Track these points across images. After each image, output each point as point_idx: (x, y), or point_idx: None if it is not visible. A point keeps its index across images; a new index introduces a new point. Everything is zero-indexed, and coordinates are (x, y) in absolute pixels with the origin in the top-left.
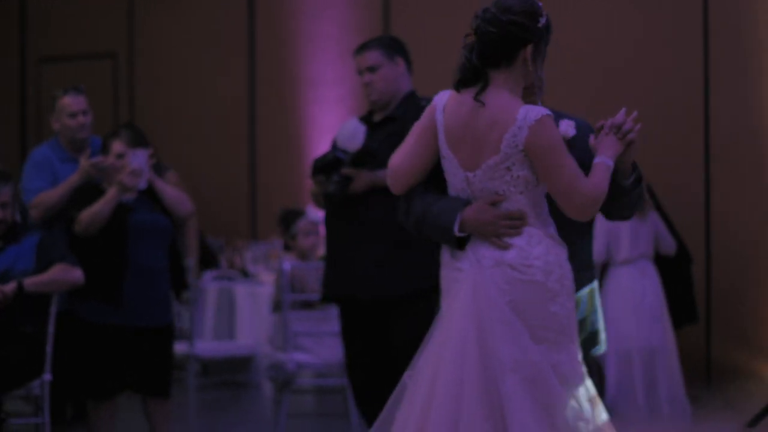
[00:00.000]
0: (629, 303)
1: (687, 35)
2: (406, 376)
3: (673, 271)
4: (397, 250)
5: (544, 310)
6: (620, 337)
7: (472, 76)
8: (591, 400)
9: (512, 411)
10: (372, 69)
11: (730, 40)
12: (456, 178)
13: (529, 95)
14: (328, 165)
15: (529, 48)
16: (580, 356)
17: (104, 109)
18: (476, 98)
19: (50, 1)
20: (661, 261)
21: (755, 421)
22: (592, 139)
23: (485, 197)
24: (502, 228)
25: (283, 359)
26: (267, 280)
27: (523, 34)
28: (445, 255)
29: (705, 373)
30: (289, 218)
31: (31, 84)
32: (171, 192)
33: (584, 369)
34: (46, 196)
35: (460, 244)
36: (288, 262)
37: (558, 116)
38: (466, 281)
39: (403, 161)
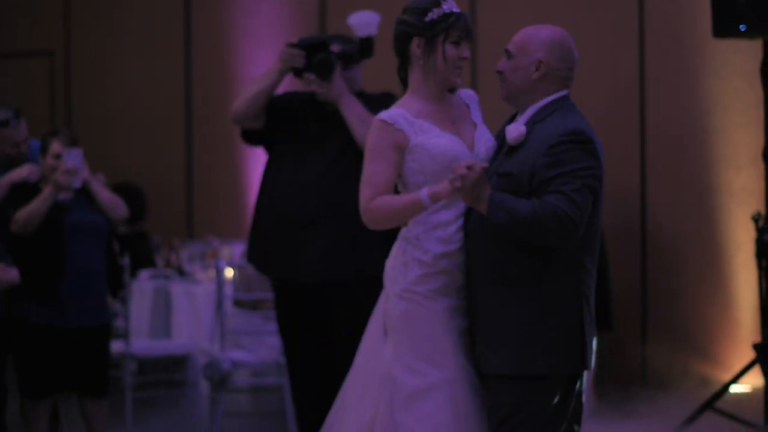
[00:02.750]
0: None
1: (622, 35)
2: None
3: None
4: (349, 233)
5: (383, 307)
6: None
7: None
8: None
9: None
10: None
11: (666, 41)
12: None
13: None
14: (315, 45)
15: (415, 41)
16: (410, 359)
17: (41, 107)
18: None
19: None
20: None
21: (691, 420)
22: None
23: None
24: None
25: (218, 358)
26: (203, 279)
27: (407, 29)
28: None
29: (641, 374)
30: None
31: None
32: (106, 195)
33: (402, 369)
34: None
35: None
36: (223, 261)
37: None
38: None
39: None
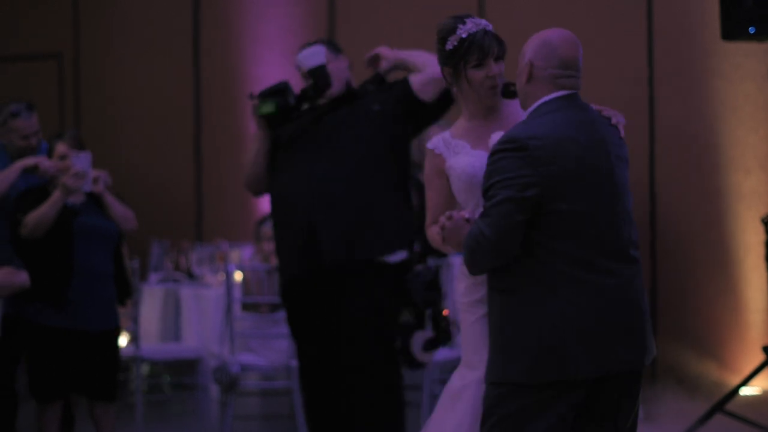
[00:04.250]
0: None
1: (631, 38)
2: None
3: None
4: (364, 220)
5: None
6: None
7: None
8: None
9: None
10: None
11: (675, 43)
12: None
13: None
14: (273, 91)
15: (445, 71)
16: (461, 365)
17: (49, 110)
18: None
19: None
20: None
21: (701, 422)
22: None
23: None
24: None
25: (228, 361)
26: (212, 282)
27: (438, 59)
28: None
29: (651, 376)
30: (260, 223)
31: None
32: (119, 208)
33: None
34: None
35: None
36: (233, 265)
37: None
38: None
39: None
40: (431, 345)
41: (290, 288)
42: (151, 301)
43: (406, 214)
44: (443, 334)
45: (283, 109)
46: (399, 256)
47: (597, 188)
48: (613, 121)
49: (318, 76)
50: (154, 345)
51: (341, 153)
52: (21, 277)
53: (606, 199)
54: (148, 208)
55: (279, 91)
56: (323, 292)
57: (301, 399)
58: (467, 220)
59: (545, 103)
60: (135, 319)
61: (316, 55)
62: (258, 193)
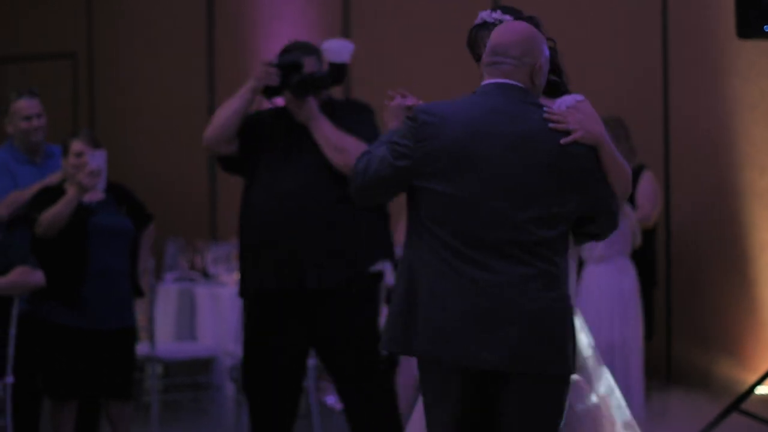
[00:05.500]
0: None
1: (646, 35)
2: None
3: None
4: (343, 235)
5: None
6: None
7: None
8: None
9: None
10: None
11: (690, 41)
12: None
13: None
14: (291, 65)
15: None
16: None
17: (64, 109)
18: None
19: (8, 1)
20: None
21: (716, 421)
22: None
23: None
24: None
25: None
26: (228, 281)
27: None
28: None
29: (666, 375)
30: None
31: None
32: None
33: None
34: (19, 195)
35: None
36: None
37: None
38: None
39: None
40: None
41: (260, 298)
42: (166, 300)
43: (380, 223)
44: None
45: (300, 86)
46: (379, 266)
47: (476, 178)
48: (556, 126)
49: (339, 72)
50: (169, 344)
51: (316, 166)
52: (36, 277)
53: (483, 192)
54: (162, 206)
55: (295, 66)
56: (300, 305)
57: (249, 399)
58: (409, 108)
59: (475, 91)
60: (150, 319)
61: (345, 51)
62: (220, 152)
